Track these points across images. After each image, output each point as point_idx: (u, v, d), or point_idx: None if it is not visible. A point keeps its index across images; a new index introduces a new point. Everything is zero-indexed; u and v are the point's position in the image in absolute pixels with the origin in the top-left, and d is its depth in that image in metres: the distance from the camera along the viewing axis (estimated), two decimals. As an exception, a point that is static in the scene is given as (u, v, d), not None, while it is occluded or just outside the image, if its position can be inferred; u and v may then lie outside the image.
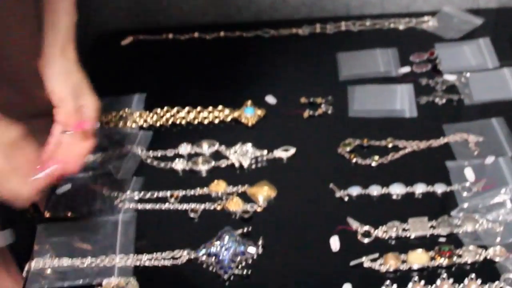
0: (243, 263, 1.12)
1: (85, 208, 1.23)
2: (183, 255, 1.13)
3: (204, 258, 1.12)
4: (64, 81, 1.14)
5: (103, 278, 1.10)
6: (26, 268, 1.14)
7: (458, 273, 1.08)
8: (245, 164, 1.28)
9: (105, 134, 1.36)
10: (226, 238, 1.14)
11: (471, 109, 1.38)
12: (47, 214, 1.22)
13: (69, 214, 1.21)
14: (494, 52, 1.50)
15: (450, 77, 1.45)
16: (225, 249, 1.13)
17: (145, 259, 1.13)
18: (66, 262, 1.13)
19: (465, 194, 1.20)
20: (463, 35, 1.56)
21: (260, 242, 1.14)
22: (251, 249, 1.13)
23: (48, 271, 1.12)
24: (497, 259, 1.09)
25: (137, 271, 1.12)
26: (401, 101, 1.40)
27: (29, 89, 1.37)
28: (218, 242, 1.13)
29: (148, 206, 1.22)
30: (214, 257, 1.12)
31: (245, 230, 1.16)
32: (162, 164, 1.30)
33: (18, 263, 1.21)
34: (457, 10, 1.65)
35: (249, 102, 1.39)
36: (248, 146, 1.31)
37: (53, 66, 1.15)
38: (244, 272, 1.10)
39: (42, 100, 1.41)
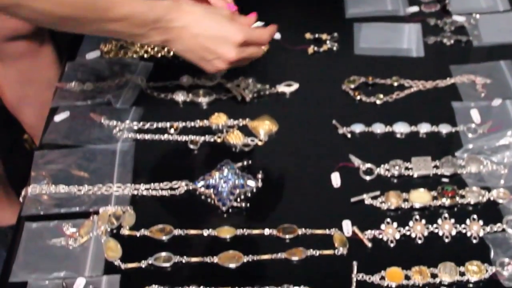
0: (242, 196, 1.10)
1: (83, 137, 1.20)
2: (181, 186, 1.12)
3: (202, 189, 1.11)
4: None
5: (100, 206, 1.09)
6: (22, 194, 1.12)
7: (460, 213, 1.07)
8: (247, 98, 1.26)
9: (105, 64, 1.34)
10: (226, 170, 1.12)
11: (480, 51, 1.35)
12: (44, 141, 1.20)
13: (66, 142, 1.20)
14: (506, -6, 1.47)
15: (459, 18, 1.41)
16: (224, 181, 1.11)
17: (143, 189, 1.11)
18: (62, 189, 1.11)
19: (470, 135, 1.18)
20: (474, -25, 1.53)
21: (259, 176, 1.12)
22: (251, 182, 1.11)
23: (45, 197, 1.11)
24: (500, 201, 1.08)
25: (134, 200, 1.10)
26: (408, 40, 1.37)
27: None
28: (217, 174, 1.11)
29: (147, 136, 1.20)
30: (212, 189, 1.10)
31: (245, 163, 1.14)
32: (162, 95, 1.28)
33: (17, 193, 1.19)
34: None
35: (252, 36, 1.36)
36: (251, 80, 1.28)
37: None
38: (243, 205, 1.09)
39: None
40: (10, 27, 1.44)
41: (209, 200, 1.11)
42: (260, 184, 1.12)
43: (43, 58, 1.55)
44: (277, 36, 1.38)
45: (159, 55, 1.36)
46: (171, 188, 1.12)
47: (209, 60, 1.11)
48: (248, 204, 1.09)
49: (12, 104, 1.58)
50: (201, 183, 1.12)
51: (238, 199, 1.10)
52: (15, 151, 1.30)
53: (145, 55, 1.36)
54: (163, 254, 1.02)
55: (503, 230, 1.05)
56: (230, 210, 1.09)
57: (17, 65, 1.56)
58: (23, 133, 1.75)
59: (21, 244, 1.05)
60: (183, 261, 1.02)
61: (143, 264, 1.02)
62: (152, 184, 1.12)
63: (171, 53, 1.35)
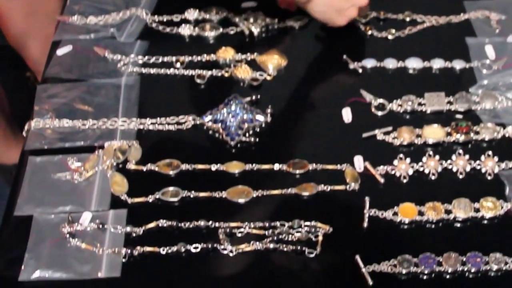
0: (251, 131, 1.08)
1: (87, 71, 1.17)
2: (188, 121, 1.09)
3: (210, 124, 1.08)
4: None
5: (105, 140, 1.06)
6: (25, 128, 1.09)
7: (475, 150, 1.05)
8: (255, 32, 1.22)
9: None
10: (234, 105, 1.09)
11: (495, -14, 1.32)
12: (47, 75, 1.17)
13: (70, 76, 1.16)
14: None
15: (474, -47, 1.37)
16: (232, 115, 1.08)
17: (149, 123, 1.08)
18: (66, 123, 1.09)
19: (484, 71, 1.15)
20: None
21: (268, 110, 1.09)
22: (259, 117, 1.08)
23: (48, 131, 1.08)
24: (515, 137, 1.06)
25: (140, 135, 1.08)
26: (422, -27, 1.33)
27: None
28: (225, 109, 1.09)
29: (153, 70, 1.17)
30: (220, 124, 1.07)
31: (254, 98, 1.11)
32: (168, 29, 1.24)
33: (21, 129, 1.16)
34: None
35: (260, -30, 1.32)
36: (259, 13, 1.24)
37: None
38: (252, 140, 1.07)
39: None
40: None
41: (217, 135, 1.08)
42: (269, 119, 1.09)
43: None
44: (286, -31, 1.35)
45: (164, -12, 1.32)
46: (178, 123, 1.09)
47: (346, 9, 1.15)
48: (257, 139, 1.06)
49: (16, 39, 1.54)
50: (209, 117, 1.09)
51: (247, 134, 1.07)
52: (19, 90, 1.26)
53: (149, -12, 1.32)
54: (171, 188, 1.00)
55: (519, 166, 1.03)
56: (239, 145, 1.06)
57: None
58: (26, 71, 1.72)
59: (25, 178, 1.02)
60: (191, 196, 1.00)
61: (150, 198, 0.99)
62: (158, 118, 1.09)
63: (176, -14, 1.32)
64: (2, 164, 1.50)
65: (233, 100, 1.10)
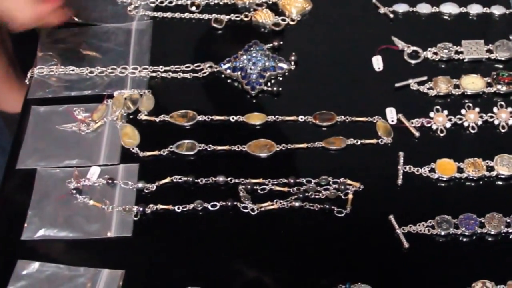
0: (273, 80, 1.00)
1: (94, 14, 1.08)
2: (205, 68, 1.00)
3: (228, 72, 1.00)
4: None
5: (115, 89, 0.98)
6: (28, 75, 1.01)
7: (517, 101, 0.97)
8: (277, -26, 1.13)
9: None
10: (254, 51, 1.01)
11: None
12: (51, 19, 1.09)
13: (76, 19, 1.08)
14: None
15: None
16: (252, 63, 1.00)
17: (162, 71, 1.00)
18: (72, 70, 1.00)
19: (527, 17, 1.07)
20: None
21: (292, 58, 1.01)
22: (283, 65, 1.00)
23: (53, 79, 1.00)
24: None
25: (152, 83, 1.00)
26: None
27: None
28: (245, 56, 1.00)
29: (166, 14, 1.08)
30: (240, 72, 0.99)
31: (276, 44, 1.03)
32: (182, -30, 1.15)
33: (25, 76, 1.09)
34: None
35: None
36: (280, -47, 1.15)
37: None
38: (274, 89, 0.98)
39: None
40: None
41: (236, 84, 0.99)
42: (293, 67, 1.00)
43: None
44: None
45: None
46: (194, 71, 1.00)
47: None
48: (280, 89, 0.98)
49: None
50: (227, 65, 1.00)
51: (269, 83, 0.99)
52: (28, 37, 1.18)
53: None
54: (186, 141, 0.92)
55: None
56: (260, 94, 0.98)
57: None
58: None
59: (28, 129, 0.95)
60: (208, 149, 0.92)
61: (164, 152, 0.91)
62: (172, 66, 1.01)
63: None
64: (4, 112, 1.42)
65: (253, 47, 1.01)
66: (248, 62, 1.00)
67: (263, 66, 0.99)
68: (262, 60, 1.00)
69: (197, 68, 1.01)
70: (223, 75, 1.00)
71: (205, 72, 1.00)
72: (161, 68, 1.01)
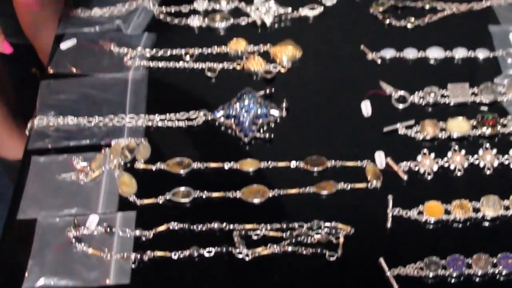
0: (265, 127, 1.03)
1: (92, 65, 1.12)
2: (199, 116, 1.03)
3: (222, 119, 1.03)
4: None
5: (112, 138, 1.01)
6: (28, 126, 1.04)
7: (502, 143, 0.99)
8: (268, 22, 1.16)
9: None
10: (247, 99, 1.04)
11: (518, -28, 1.26)
12: (50, 70, 1.12)
13: (74, 71, 1.11)
14: None
15: None
16: (245, 110, 1.03)
17: (158, 120, 1.03)
18: (71, 120, 1.04)
19: (510, 60, 1.09)
20: None
21: (283, 105, 1.04)
22: (274, 112, 1.03)
23: (52, 129, 1.03)
24: (544, 130, 1.01)
25: (148, 132, 1.03)
26: (441, -40, 1.27)
27: None
28: (238, 104, 1.03)
29: (161, 64, 1.11)
30: (233, 119, 1.02)
31: (268, 91, 1.06)
32: (176, 21, 1.18)
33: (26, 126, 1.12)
34: None
35: (272, -43, 1.27)
36: (271, 3, 1.18)
37: None
38: (267, 136, 1.01)
39: None
40: None
41: (229, 131, 1.02)
42: (284, 114, 1.04)
43: None
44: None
45: (171, -22, 1.27)
46: (188, 119, 1.04)
47: None
48: (272, 135, 1.01)
49: (29, 26, 1.49)
50: (221, 112, 1.03)
51: (261, 130, 1.02)
52: (28, 85, 1.22)
53: (156, -21, 1.27)
54: (182, 189, 0.95)
55: (549, 160, 0.98)
56: (253, 141, 1.01)
57: None
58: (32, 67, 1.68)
59: (28, 179, 0.97)
60: (203, 196, 0.94)
61: (160, 200, 0.94)
62: (167, 114, 1.04)
63: (184, -24, 1.26)
64: (5, 159, 1.46)
65: (246, 94, 1.04)
66: (240, 109, 1.03)
67: (256, 113, 1.03)
68: (254, 107, 1.03)
69: (191, 116, 1.04)
70: (217, 123, 1.03)
71: (199, 120, 1.03)
72: (157, 117, 1.04)
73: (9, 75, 1.50)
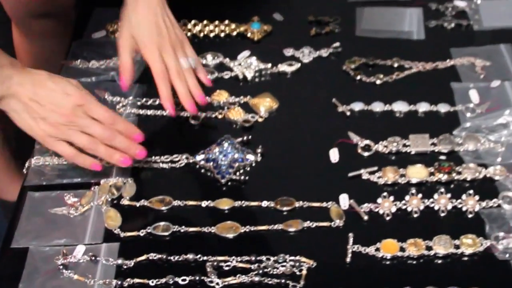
0: (241, 170, 1.12)
1: (87, 111, 1.23)
2: (182, 159, 1.13)
3: (202, 163, 1.12)
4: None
5: (101, 177, 1.11)
6: (26, 165, 1.14)
7: (457, 189, 1.08)
8: (249, 76, 1.27)
9: (110, 43, 1.36)
10: (226, 144, 1.13)
11: (480, 35, 1.36)
12: (48, 116, 1.23)
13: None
14: (508, -19, 1.48)
15: (461, 3, 1.42)
16: (223, 155, 1.12)
17: (144, 161, 1.13)
18: (65, 160, 1.13)
19: (468, 114, 1.19)
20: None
21: (259, 150, 1.14)
22: (250, 156, 1.13)
23: (48, 168, 1.13)
24: (496, 178, 1.09)
25: (135, 172, 1.12)
26: (410, 23, 1.38)
27: None
28: (217, 149, 1.13)
29: (150, 112, 1.22)
30: (212, 162, 1.12)
31: (245, 138, 1.16)
32: (166, 73, 1.30)
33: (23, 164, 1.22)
34: None
35: (255, 18, 1.38)
36: (253, 59, 1.29)
37: None
38: (242, 178, 1.11)
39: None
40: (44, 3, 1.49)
41: (208, 173, 1.12)
42: (259, 159, 1.13)
43: (66, 37, 1.56)
44: (279, 17, 1.41)
45: (163, 34, 1.38)
46: (172, 161, 1.14)
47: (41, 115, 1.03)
48: (247, 177, 1.11)
49: None
50: (201, 156, 1.13)
51: (237, 173, 1.12)
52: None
53: (150, 36, 1.38)
54: (162, 223, 1.04)
55: (499, 205, 1.06)
56: (229, 183, 1.11)
57: (43, 42, 1.59)
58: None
59: (23, 212, 1.07)
60: (181, 230, 1.04)
61: (142, 233, 1.03)
62: (153, 157, 1.14)
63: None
64: (6, 201, 1.54)
65: (225, 140, 1.14)
66: (219, 154, 1.13)
67: (233, 157, 1.12)
68: (232, 152, 1.13)
69: (175, 159, 1.14)
70: (197, 165, 1.13)
71: (181, 163, 1.13)
72: (143, 159, 1.14)
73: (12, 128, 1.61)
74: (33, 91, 1.03)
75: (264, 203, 1.07)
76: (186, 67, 1.17)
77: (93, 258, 0.99)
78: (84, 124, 1.05)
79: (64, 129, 1.04)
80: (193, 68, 1.18)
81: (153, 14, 1.17)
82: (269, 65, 1.29)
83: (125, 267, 0.99)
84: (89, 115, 1.05)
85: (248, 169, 1.12)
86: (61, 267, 0.98)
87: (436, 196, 1.07)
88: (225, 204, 1.07)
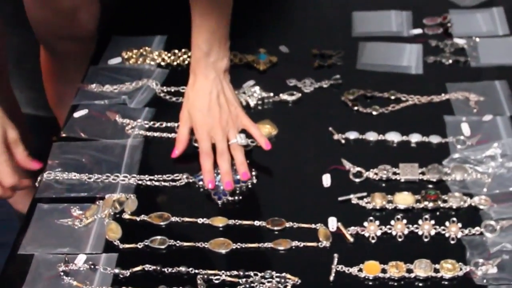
0: (237, 191, 1.19)
1: (98, 132, 1.30)
2: (182, 178, 1.20)
3: (201, 183, 1.19)
4: None
5: (106, 192, 1.18)
6: (38, 179, 1.22)
7: (441, 216, 1.13)
8: (252, 104, 1.35)
9: (124, 69, 1.44)
10: (224, 168, 1.21)
11: (477, 71, 1.42)
12: (63, 134, 1.31)
13: (82, 135, 1.30)
14: (506, 21, 1.53)
15: (460, 41, 1.48)
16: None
17: (147, 179, 1.20)
18: (74, 176, 1.21)
19: (459, 146, 1.24)
20: (478, 3, 1.59)
21: (254, 173, 1.21)
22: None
23: (58, 183, 1.21)
24: (481, 207, 1.14)
25: (138, 189, 1.20)
26: (409, 58, 1.45)
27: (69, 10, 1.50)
28: (215, 170, 1.20)
29: (156, 134, 1.30)
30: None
31: (244, 161, 1.23)
32: (174, 99, 1.37)
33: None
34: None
35: (262, 50, 1.46)
36: (256, 88, 1.37)
37: None
38: (236, 198, 1.17)
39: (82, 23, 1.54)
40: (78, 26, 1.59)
41: (206, 192, 1.19)
42: (255, 181, 1.20)
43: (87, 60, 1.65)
44: (285, 49, 1.48)
45: (175, 63, 1.46)
46: (173, 180, 1.21)
47: None
48: (241, 198, 1.17)
49: (54, 101, 1.70)
50: (201, 177, 1.20)
51: (235, 195, 1.18)
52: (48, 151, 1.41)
53: (162, 63, 1.46)
54: (159, 237, 1.11)
55: (481, 233, 1.10)
56: (225, 201, 1.17)
57: (67, 63, 1.67)
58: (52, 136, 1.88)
59: (32, 221, 1.14)
60: (177, 244, 1.10)
61: (140, 245, 1.10)
62: (156, 175, 1.21)
63: (186, 62, 1.46)
64: (20, 212, 1.63)
65: (224, 163, 1.21)
66: (217, 175, 1.19)
67: (230, 179, 1.19)
68: (229, 174, 1.20)
69: (176, 178, 1.21)
70: (196, 185, 1.20)
71: (182, 182, 1.20)
72: (147, 177, 1.21)
73: (32, 144, 1.69)
74: None
75: (256, 222, 1.13)
76: (236, 143, 1.23)
77: (92, 266, 1.06)
78: None
79: None
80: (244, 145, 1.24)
81: (207, 93, 1.23)
82: (272, 93, 1.37)
83: (121, 276, 1.05)
84: None
85: (244, 190, 1.19)
86: (62, 273, 1.05)
87: (420, 222, 1.12)
88: (219, 221, 1.13)
